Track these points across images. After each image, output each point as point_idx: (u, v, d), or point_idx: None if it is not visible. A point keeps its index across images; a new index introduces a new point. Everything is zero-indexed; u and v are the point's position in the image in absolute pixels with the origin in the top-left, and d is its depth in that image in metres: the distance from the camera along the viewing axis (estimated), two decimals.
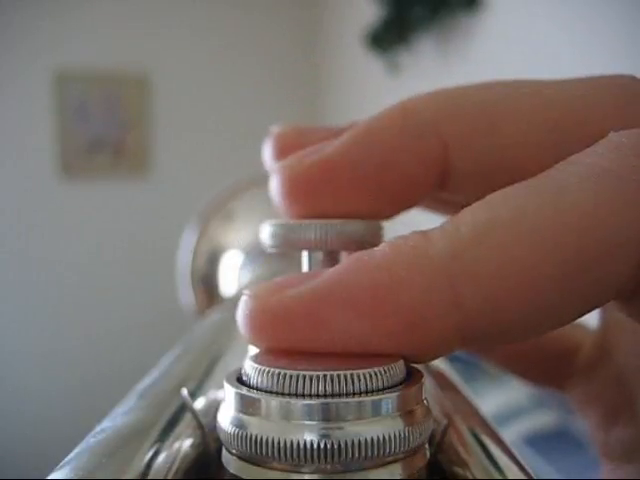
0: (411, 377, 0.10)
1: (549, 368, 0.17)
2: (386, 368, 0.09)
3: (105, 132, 1.89)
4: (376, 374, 0.09)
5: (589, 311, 0.10)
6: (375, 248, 0.10)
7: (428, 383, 0.10)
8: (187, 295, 0.30)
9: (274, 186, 0.13)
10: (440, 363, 0.16)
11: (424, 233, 0.10)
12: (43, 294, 1.83)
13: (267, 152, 0.14)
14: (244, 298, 0.10)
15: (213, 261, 0.29)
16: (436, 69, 1.35)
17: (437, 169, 0.12)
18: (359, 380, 0.09)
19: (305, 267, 0.13)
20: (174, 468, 0.10)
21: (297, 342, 0.10)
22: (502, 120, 0.12)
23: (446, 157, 0.12)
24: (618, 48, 0.87)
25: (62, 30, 1.80)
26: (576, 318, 0.10)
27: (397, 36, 1.33)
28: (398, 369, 0.10)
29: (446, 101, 0.13)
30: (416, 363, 0.10)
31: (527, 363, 0.18)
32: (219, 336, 0.18)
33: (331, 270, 0.10)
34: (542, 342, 0.17)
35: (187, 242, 0.30)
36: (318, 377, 0.09)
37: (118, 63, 1.88)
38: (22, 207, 1.81)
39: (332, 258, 0.13)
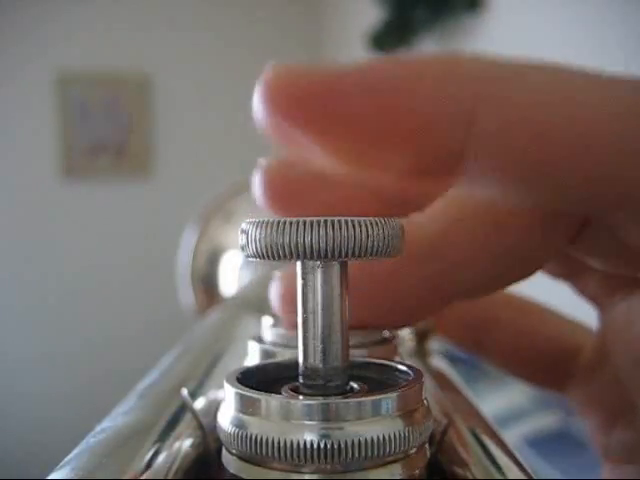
0: (411, 377, 0.10)
1: (550, 370, 0.17)
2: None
3: (106, 134, 1.89)
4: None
5: (586, 205, 0.10)
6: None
7: (428, 383, 0.10)
8: (187, 295, 0.30)
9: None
10: (440, 363, 0.16)
11: (459, 55, 0.10)
12: (44, 295, 1.83)
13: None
14: (265, 72, 0.10)
15: (213, 261, 0.29)
16: None
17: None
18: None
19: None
20: (174, 468, 0.10)
21: (313, 117, 0.10)
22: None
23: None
24: (620, 50, 0.87)
25: (64, 32, 1.80)
26: (568, 198, 0.10)
27: (399, 38, 1.33)
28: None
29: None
30: (422, 189, 0.11)
31: (528, 365, 0.18)
32: (219, 336, 0.18)
33: (357, 64, 0.10)
34: (543, 344, 0.17)
35: (187, 242, 0.30)
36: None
37: (120, 65, 1.88)
38: (24, 209, 1.81)
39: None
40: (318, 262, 0.10)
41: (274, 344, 0.12)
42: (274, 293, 0.13)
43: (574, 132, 0.09)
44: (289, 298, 0.12)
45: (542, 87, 0.10)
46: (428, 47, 1.33)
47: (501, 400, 0.87)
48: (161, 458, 0.10)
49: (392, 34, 1.33)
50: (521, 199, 0.11)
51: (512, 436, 0.81)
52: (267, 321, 0.13)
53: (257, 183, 0.14)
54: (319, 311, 0.10)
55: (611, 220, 0.11)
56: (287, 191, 0.13)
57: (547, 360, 0.17)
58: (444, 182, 0.11)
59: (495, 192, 0.11)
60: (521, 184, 0.10)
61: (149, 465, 0.10)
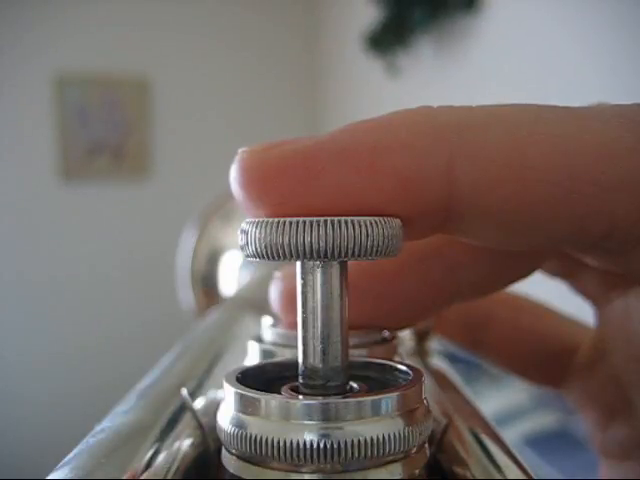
0: (411, 377, 0.10)
1: (547, 367, 0.17)
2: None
3: (105, 135, 1.89)
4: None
5: (574, 240, 0.10)
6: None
7: (428, 383, 0.10)
8: (187, 295, 0.30)
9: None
10: (440, 363, 0.16)
11: (433, 106, 0.10)
12: (43, 297, 1.83)
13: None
14: (239, 155, 0.10)
15: (213, 261, 0.29)
16: (435, 71, 1.35)
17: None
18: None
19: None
20: (174, 468, 0.10)
21: (292, 196, 0.10)
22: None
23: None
24: (618, 50, 0.87)
25: (62, 34, 1.80)
26: (557, 237, 0.10)
27: (396, 38, 1.33)
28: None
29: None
30: (408, 233, 0.10)
31: (525, 362, 0.18)
32: (219, 336, 0.18)
33: (331, 130, 0.10)
34: (540, 341, 0.17)
35: (187, 243, 0.30)
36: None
37: (118, 66, 1.88)
38: (23, 210, 1.81)
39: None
40: (318, 262, 0.10)
41: (274, 344, 0.12)
42: (274, 293, 0.13)
43: (555, 173, 0.09)
44: (289, 298, 0.12)
45: (516, 131, 0.10)
46: (425, 47, 1.33)
47: (501, 399, 0.87)
48: (161, 458, 0.10)
49: (389, 34, 1.33)
50: (512, 243, 0.11)
51: (511, 435, 0.81)
52: (267, 321, 0.13)
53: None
54: (319, 311, 0.10)
55: (599, 246, 0.11)
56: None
57: (544, 357, 0.17)
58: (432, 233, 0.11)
59: (485, 239, 0.11)
60: (507, 232, 0.10)
61: (149, 465, 0.10)
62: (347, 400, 0.09)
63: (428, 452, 0.10)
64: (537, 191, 0.09)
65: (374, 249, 0.09)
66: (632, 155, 0.09)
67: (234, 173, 0.10)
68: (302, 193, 0.10)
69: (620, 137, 0.10)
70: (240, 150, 0.10)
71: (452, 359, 0.17)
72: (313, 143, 0.10)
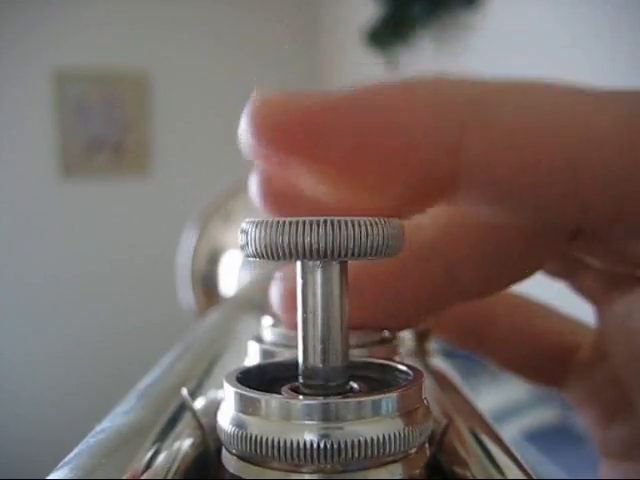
0: (411, 377, 0.10)
1: (547, 367, 0.17)
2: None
3: (105, 132, 1.89)
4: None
5: (581, 221, 0.10)
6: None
7: (428, 383, 0.10)
8: (187, 295, 0.30)
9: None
10: (440, 363, 0.16)
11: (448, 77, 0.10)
12: (42, 294, 1.83)
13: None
14: (252, 100, 0.10)
15: (213, 261, 0.29)
16: (435, 66, 1.35)
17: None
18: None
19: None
20: (174, 468, 0.10)
21: (298, 147, 0.10)
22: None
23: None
24: (618, 43, 0.87)
25: (62, 30, 1.79)
26: (565, 217, 0.10)
27: (396, 34, 1.33)
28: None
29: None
30: (413, 211, 0.10)
31: (525, 361, 0.18)
32: (219, 336, 0.18)
33: (344, 90, 0.10)
34: (540, 341, 0.17)
35: (187, 242, 0.30)
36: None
37: (118, 62, 1.88)
38: (22, 207, 1.81)
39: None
40: (318, 262, 0.10)
41: (274, 344, 0.12)
42: (274, 293, 0.13)
43: (562, 156, 0.09)
44: (289, 298, 0.13)
45: (527, 110, 0.10)
46: (425, 43, 1.33)
47: (500, 395, 0.88)
48: (161, 458, 0.10)
49: (389, 30, 1.33)
50: (514, 219, 0.11)
51: (510, 430, 0.81)
52: (267, 321, 0.13)
53: (254, 184, 0.14)
54: (319, 311, 0.10)
55: (605, 232, 0.11)
56: (284, 191, 0.13)
57: (545, 357, 0.17)
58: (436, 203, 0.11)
59: (487, 214, 0.11)
60: (512, 207, 0.10)
61: (149, 465, 0.10)
62: (347, 400, 0.09)
63: (428, 452, 0.10)
64: (541, 175, 0.10)
65: (374, 249, 0.09)
66: None
67: (246, 119, 0.10)
68: (308, 145, 0.10)
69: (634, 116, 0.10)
70: (253, 97, 0.10)
71: (451, 355, 0.17)
72: (324, 100, 0.10)
